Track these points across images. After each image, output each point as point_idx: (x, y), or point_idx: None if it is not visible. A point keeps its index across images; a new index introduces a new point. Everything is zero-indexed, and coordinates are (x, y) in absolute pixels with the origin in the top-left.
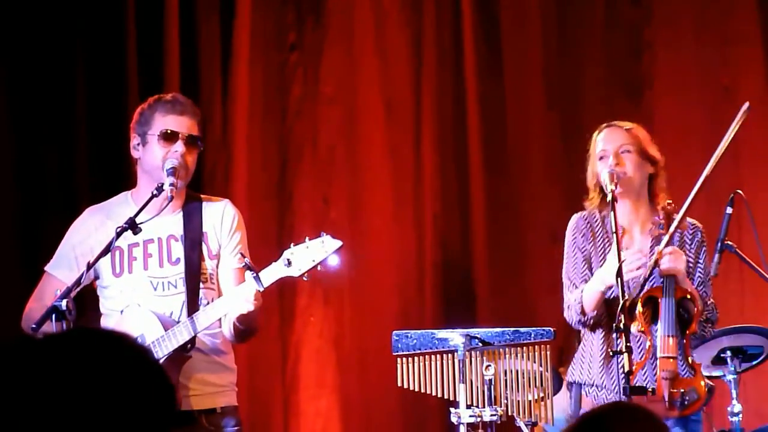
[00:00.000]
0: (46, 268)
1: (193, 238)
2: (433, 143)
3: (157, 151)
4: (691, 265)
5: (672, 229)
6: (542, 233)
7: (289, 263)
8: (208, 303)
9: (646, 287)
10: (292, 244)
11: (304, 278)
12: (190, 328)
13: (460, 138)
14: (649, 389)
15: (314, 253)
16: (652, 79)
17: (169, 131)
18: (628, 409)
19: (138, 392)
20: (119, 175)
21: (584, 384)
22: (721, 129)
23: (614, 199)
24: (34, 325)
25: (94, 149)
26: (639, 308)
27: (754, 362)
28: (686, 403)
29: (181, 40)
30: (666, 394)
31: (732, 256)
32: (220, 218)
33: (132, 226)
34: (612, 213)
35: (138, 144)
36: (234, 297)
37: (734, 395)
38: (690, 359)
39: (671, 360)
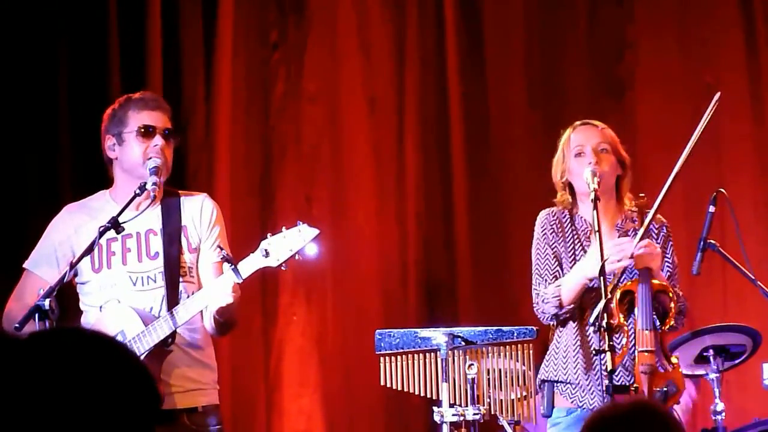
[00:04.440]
0: (25, 266)
1: (172, 232)
2: (415, 141)
3: (136, 147)
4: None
5: (646, 223)
6: (525, 232)
7: (267, 254)
8: (188, 297)
9: (622, 281)
10: (269, 234)
11: (283, 268)
12: (171, 322)
13: (443, 136)
14: (632, 387)
15: (292, 243)
16: (634, 78)
17: (146, 127)
18: (648, 412)
19: (120, 390)
20: (101, 175)
21: (558, 382)
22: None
23: (597, 198)
24: (17, 325)
25: (77, 149)
26: (614, 304)
27: (737, 361)
28: (666, 396)
29: (164, 38)
30: (645, 389)
31: (715, 255)
32: (199, 212)
33: (115, 225)
34: (594, 212)
35: (114, 144)
36: (213, 290)
37: (717, 394)
38: (667, 353)
39: (649, 354)
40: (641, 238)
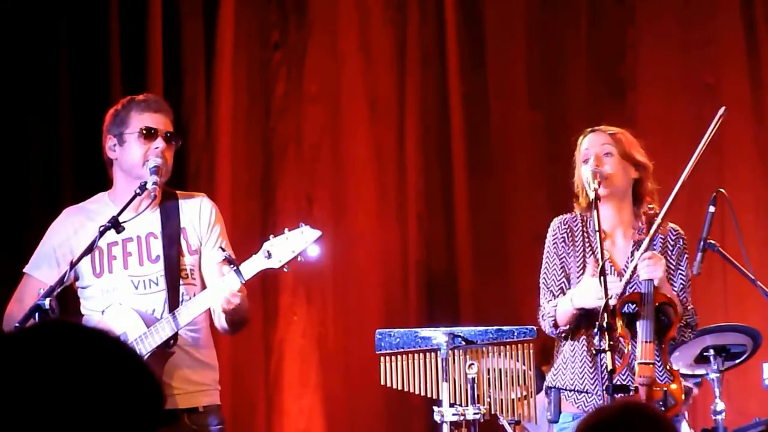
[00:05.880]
0: (25, 270)
1: (172, 234)
2: (416, 142)
3: (136, 149)
4: (672, 270)
5: (651, 232)
6: (525, 232)
7: (270, 255)
8: (189, 299)
9: (626, 292)
10: (271, 236)
11: (285, 269)
12: (173, 323)
13: (444, 137)
14: (632, 388)
15: (294, 244)
16: (635, 79)
17: (148, 129)
18: (637, 413)
19: (125, 390)
20: (102, 176)
21: (564, 389)
22: (704, 128)
23: (597, 198)
24: (17, 324)
25: (78, 149)
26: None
27: (737, 361)
28: (663, 408)
29: (165, 39)
30: (643, 400)
31: (715, 255)
32: (198, 213)
33: (115, 224)
34: (595, 212)
35: (114, 145)
36: (215, 292)
37: (717, 394)
38: (668, 365)
39: (649, 365)
40: (645, 250)
